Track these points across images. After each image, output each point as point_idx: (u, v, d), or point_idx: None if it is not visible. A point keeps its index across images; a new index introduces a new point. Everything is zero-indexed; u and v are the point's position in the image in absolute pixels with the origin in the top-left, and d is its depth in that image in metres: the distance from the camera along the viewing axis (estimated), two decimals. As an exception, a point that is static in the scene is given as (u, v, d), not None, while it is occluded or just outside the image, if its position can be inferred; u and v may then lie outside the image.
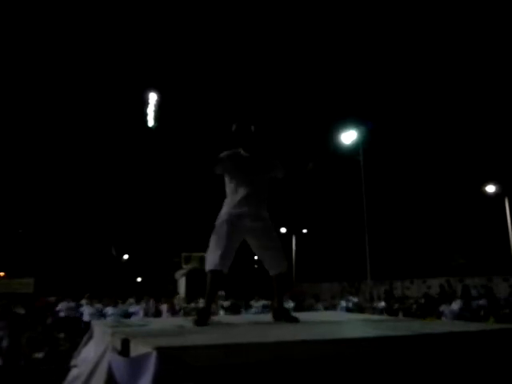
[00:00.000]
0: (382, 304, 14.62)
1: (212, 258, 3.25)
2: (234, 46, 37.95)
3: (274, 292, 3.51)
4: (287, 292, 15.75)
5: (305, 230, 29.50)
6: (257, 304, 14.04)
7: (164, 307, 13.22)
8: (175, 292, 21.11)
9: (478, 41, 29.42)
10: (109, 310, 12.12)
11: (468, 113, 28.06)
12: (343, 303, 15.20)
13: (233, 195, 3.43)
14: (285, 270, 3.44)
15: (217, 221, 3.43)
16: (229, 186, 3.50)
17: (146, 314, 12.43)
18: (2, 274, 27.74)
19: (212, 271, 3.24)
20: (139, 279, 35.88)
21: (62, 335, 10.77)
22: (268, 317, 3.66)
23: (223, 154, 3.48)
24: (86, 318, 11.93)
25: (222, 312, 12.62)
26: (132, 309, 13.13)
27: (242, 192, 3.39)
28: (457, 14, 30.10)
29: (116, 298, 13.85)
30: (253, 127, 3.52)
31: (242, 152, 3.51)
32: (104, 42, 36.77)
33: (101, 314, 12.13)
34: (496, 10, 28.61)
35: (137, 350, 2.07)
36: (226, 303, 14.11)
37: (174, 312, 12.90)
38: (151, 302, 13.78)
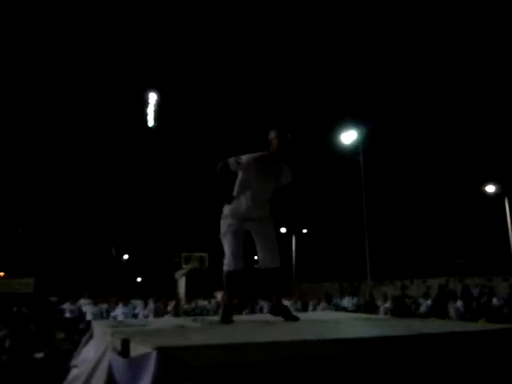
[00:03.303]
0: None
1: (226, 260, 3.46)
2: (234, 46, 37.96)
3: (271, 288, 3.62)
4: (293, 294, 15.76)
5: (305, 230, 29.51)
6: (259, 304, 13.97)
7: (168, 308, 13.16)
8: (175, 292, 21.12)
9: (478, 41, 29.44)
10: (119, 310, 12.00)
11: (468, 113, 28.07)
12: (344, 303, 15.20)
13: (242, 192, 3.53)
14: (278, 265, 3.55)
15: (222, 217, 3.56)
16: (241, 182, 3.58)
17: (157, 315, 12.22)
18: (1, 273, 27.74)
19: (227, 272, 3.45)
20: (139, 279, 35.88)
21: (61, 335, 10.79)
22: (267, 315, 3.68)
23: (249, 157, 3.52)
24: (88, 317, 11.88)
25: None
26: (137, 310, 13.03)
27: (252, 192, 3.50)
28: (457, 14, 30.11)
29: (126, 298, 13.69)
30: (289, 135, 3.61)
31: (267, 155, 3.58)
32: (104, 42, 36.78)
33: (104, 314, 12.07)
34: (496, 10, 28.62)
35: (137, 349, 2.07)
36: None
37: (177, 312, 12.86)
38: (160, 302, 13.61)
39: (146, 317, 11.96)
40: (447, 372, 2.11)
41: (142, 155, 35.40)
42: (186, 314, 12.14)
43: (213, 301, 15.18)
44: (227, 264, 3.44)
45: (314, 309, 13.30)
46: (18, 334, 8.12)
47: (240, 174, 3.60)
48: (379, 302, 15.09)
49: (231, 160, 3.52)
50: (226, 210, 3.54)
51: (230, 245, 3.44)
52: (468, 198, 24.45)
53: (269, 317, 3.61)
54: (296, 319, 3.38)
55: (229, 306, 3.48)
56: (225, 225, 3.51)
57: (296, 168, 3.72)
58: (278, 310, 3.51)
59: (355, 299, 16.07)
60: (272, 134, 3.60)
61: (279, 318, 3.45)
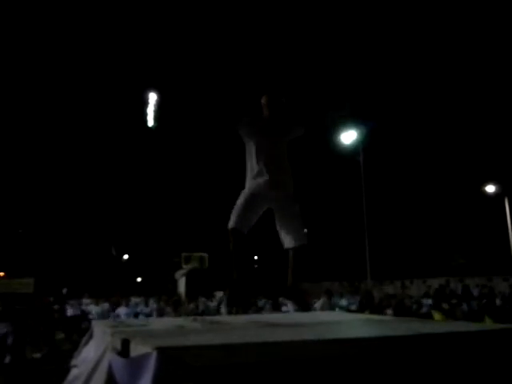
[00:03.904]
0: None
1: (231, 219, 3.27)
2: (234, 46, 37.97)
3: (288, 268, 3.35)
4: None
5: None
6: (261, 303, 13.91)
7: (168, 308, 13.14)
8: (175, 292, 21.11)
9: (477, 41, 29.44)
10: (121, 310, 12.00)
11: (468, 113, 28.07)
12: (343, 302, 15.17)
13: (253, 160, 3.37)
14: (305, 242, 3.35)
15: (242, 192, 3.40)
16: (249, 151, 3.45)
17: (160, 315, 12.20)
18: (1, 273, 27.74)
19: (231, 230, 3.24)
20: (139, 279, 35.88)
21: (61, 335, 10.78)
22: (271, 316, 3.65)
23: (246, 115, 3.46)
24: (92, 316, 11.88)
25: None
26: (139, 309, 13.04)
27: (262, 157, 3.34)
28: (457, 13, 30.11)
29: (126, 297, 13.66)
30: (284, 99, 3.52)
31: (264, 117, 3.49)
32: (104, 42, 36.78)
33: (106, 314, 12.06)
34: (496, 10, 28.62)
35: (137, 350, 2.07)
36: None
37: (177, 311, 12.84)
38: (162, 302, 13.58)
39: (148, 315, 11.98)
40: (447, 372, 2.11)
41: (142, 155, 35.40)
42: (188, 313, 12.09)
43: (213, 300, 15.14)
44: (230, 222, 3.26)
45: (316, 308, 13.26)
46: (19, 334, 8.12)
47: (246, 142, 3.47)
48: (380, 302, 15.08)
49: (237, 122, 3.46)
50: (248, 179, 3.39)
51: (240, 205, 3.27)
52: (468, 197, 24.45)
53: (269, 315, 3.57)
54: (307, 308, 3.19)
55: (238, 281, 3.20)
56: (244, 192, 3.35)
57: (296, 168, 3.66)
58: (292, 294, 3.29)
59: (356, 298, 16.03)
60: (262, 101, 3.51)
61: (281, 316, 3.38)
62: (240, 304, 3.01)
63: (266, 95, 3.53)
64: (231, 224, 3.26)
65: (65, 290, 15.43)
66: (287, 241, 3.33)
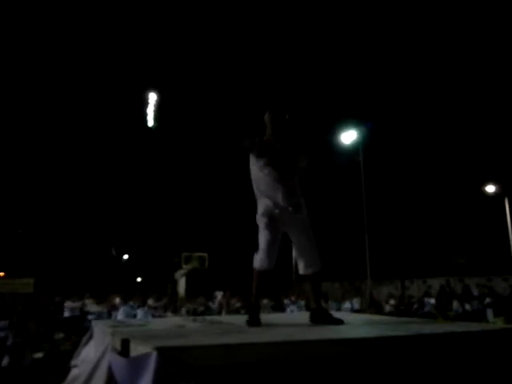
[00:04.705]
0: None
1: (259, 258, 3.23)
2: (234, 46, 37.95)
3: (309, 293, 3.38)
4: (294, 294, 15.67)
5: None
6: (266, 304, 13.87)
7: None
8: (175, 292, 21.12)
9: (477, 41, 29.43)
10: (120, 309, 11.97)
11: (468, 113, 28.06)
12: (347, 304, 15.18)
13: (265, 186, 3.30)
14: (319, 268, 3.35)
15: (258, 215, 3.34)
16: (259, 175, 3.36)
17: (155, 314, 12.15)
18: (1, 274, 27.74)
19: (259, 271, 3.23)
20: (139, 279, 35.86)
21: (61, 335, 10.77)
22: (271, 316, 3.65)
23: (255, 138, 3.38)
24: (92, 316, 11.83)
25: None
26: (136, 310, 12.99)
27: (277, 184, 3.27)
28: (457, 13, 30.11)
29: (125, 298, 13.56)
30: (287, 116, 3.45)
31: (269, 139, 3.42)
32: (104, 42, 36.78)
33: (105, 315, 12.04)
34: (496, 10, 28.61)
35: (137, 350, 2.07)
36: (239, 304, 13.96)
37: (176, 310, 12.85)
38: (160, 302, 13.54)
39: (145, 315, 11.97)
40: (447, 372, 2.11)
41: (142, 155, 35.39)
42: (189, 313, 12.08)
43: (215, 301, 15.13)
44: (260, 262, 3.21)
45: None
46: (19, 334, 8.12)
47: (254, 165, 3.38)
48: (382, 302, 15.10)
49: (246, 141, 3.38)
50: (260, 207, 3.32)
51: (266, 242, 3.20)
52: (468, 197, 24.44)
53: (269, 315, 3.58)
54: (340, 322, 3.09)
55: (256, 306, 3.27)
56: (262, 222, 3.27)
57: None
58: (320, 316, 3.23)
59: (358, 299, 16.04)
60: (265, 119, 3.43)
61: (281, 316, 3.40)
62: (258, 324, 3.08)
63: (269, 112, 3.46)
64: (263, 266, 3.22)
65: (58, 298, 14.74)
66: (301, 267, 3.34)
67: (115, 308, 12.56)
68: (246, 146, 3.36)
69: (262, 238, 3.25)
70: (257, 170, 3.37)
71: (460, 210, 25.80)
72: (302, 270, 3.34)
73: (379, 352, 2.11)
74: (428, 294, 15.97)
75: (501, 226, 19.11)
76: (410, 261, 24.45)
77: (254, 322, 3.10)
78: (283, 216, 3.24)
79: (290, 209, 3.23)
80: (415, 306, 13.94)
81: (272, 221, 3.24)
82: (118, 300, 13.46)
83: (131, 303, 13.08)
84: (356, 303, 15.37)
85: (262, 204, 3.31)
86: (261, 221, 3.29)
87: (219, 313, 13.12)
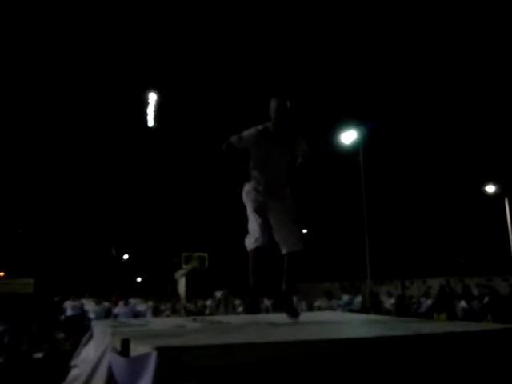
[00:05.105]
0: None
1: (252, 236, 3.29)
2: (234, 47, 37.96)
3: (283, 273, 3.42)
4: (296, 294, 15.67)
5: (305, 230, 29.54)
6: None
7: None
8: (175, 292, 21.11)
9: (477, 41, 29.44)
10: (119, 309, 11.97)
11: (468, 113, 28.06)
12: (345, 299, 15.17)
13: (257, 170, 3.45)
14: (301, 248, 3.41)
15: (245, 193, 3.44)
16: (253, 160, 3.50)
17: (155, 314, 12.15)
18: (1, 274, 27.75)
19: (254, 248, 3.26)
20: (139, 279, 35.87)
21: (61, 335, 10.78)
22: (271, 316, 3.65)
23: (250, 130, 3.47)
24: (91, 315, 11.85)
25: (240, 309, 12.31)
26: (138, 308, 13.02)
27: (266, 168, 3.42)
28: (457, 13, 30.11)
29: (125, 297, 13.53)
30: (288, 103, 3.53)
31: (271, 127, 3.50)
32: (104, 41, 36.78)
33: (103, 314, 12.05)
34: (496, 10, 28.62)
35: (137, 350, 2.07)
36: (238, 302, 13.94)
37: (175, 311, 12.86)
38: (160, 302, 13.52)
39: (145, 314, 11.99)
40: (447, 372, 2.11)
41: (142, 155, 35.39)
42: (188, 313, 12.09)
43: (211, 300, 15.11)
44: (254, 240, 3.26)
45: (319, 308, 13.29)
46: (17, 334, 8.12)
47: (251, 152, 3.51)
48: (383, 299, 15.11)
49: (233, 137, 3.45)
50: (248, 186, 3.43)
51: (257, 219, 3.27)
52: (468, 197, 24.44)
53: (269, 315, 3.58)
54: (296, 314, 3.25)
55: (255, 290, 3.24)
56: (249, 201, 3.38)
57: (296, 168, 3.66)
58: (284, 300, 3.32)
59: (359, 298, 16.01)
60: (270, 106, 3.52)
61: (281, 316, 3.38)
62: (257, 311, 3.10)
63: (275, 99, 3.54)
64: (253, 244, 3.28)
65: (57, 298, 14.69)
66: (283, 246, 3.41)
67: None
68: (233, 140, 3.45)
69: (253, 217, 3.32)
70: (253, 157, 3.50)
71: (460, 209, 25.81)
72: (286, 247, 3.39)
73: (379, 352, 2.11)
74: (427, 294, 15.97)
75: (501, 226, 19.11)
76: (410, 261, 24.46)
77: (252, 307, 3.15)
78: (267, 203, 3.35)
79: (275, 198, 3.36)
80: (414, 306, 13.96)
81: (262, 203, 3.34)
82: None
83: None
84: (354, 302, 15.34)
85: (251, 187, 3.40)
86: (251, 203, 3.37)
87: (217, 307, 13.15)
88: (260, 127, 3.47)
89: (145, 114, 34.73)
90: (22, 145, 34.88)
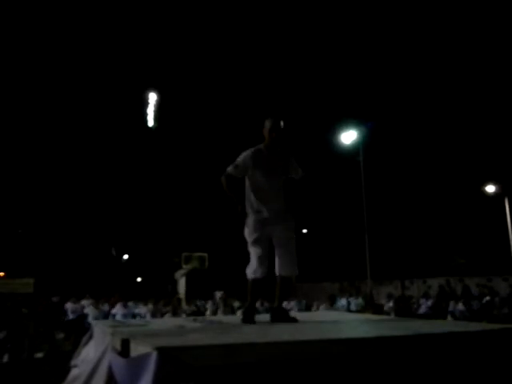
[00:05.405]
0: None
1: (252, 267, 3.41)
2: (234, 47, 37.95)
3: (276, 292, 3.55)
4: (297, 294, 15.71)
5: (305, 230, 29.53)
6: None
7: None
8: (175, 292, 21.11)
9: (477, 41, 29.43)
10: (118, 310, 11.97)
11: (468, 113, 28.06)
12: (343, 302, 15.18)
13: (253, 195, 3.47)
14: (295, 275, 3.54)
15: (246, 226, 3.49)
16: (249, 186, 3.51)
17: (154, 315, 12.15)
18: (1, 274, 27.75)
19: (252, 279, 3.41)
20: (139, 279, 35.88)
21: (61, 335, 10.77)
22: (267, 317, 3.67)
23: (244, 156, 3.48)
24: (90, 318, 11.85)
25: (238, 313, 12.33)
26: (138, 310, 13.01)
27: (261, 191, 3.45)
28: (457, 13, 30.11)
29: (124, 299, 13.53)
30: (282, 123, 3.54)
31: (263, 149, 3.51)
32: (104, 41, 36.78)
33: (102, 316, 12.04)
34: (496, 10, 28.61)
35: (137, 350, 2.07)
36: (237, 304, 13.96)
37: (176, 312, 12.83)
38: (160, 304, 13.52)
39: (144, 316, 11.98)
40: (447, 372, 2.11)
41: (142, 155, 35.39)
42: (188, 314, 12.08)
43: (211, 302, 15.11)
44: (252, 271, 3.40)
45: (318, 309, 13.31)
46: (18, 334, 8.12)
47: (247, 177, 3.52)
48: (383, 301, 15.12)
49: (229, 168, 3.47)
50: (248, 219, 3.48)
51: (256, 252, 3.39)
52: (468, 197, 24.44)
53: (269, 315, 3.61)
54: (295, 320, 3.36)
55: (251, 306, 3.48)
56: (248, 234, 3.46)
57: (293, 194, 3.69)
58: (279, 315, 3.48)
59: (359, 299, 16.03)
60: (265, 125, 3.53)
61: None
62: (252, 323, 3.28)
63: (270, 118, 3.55)
64: (251, 275, 3.40)
65: (56, 299, 14.66)
66: (279, 268, 3.49)
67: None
68: (231, 171, 3.47)
69: (252, 250, 3.42)
70: (249, 181, 3.52)
71: (460, 210, 25.81)
72: (281, 271, 3.49)
73: (379, 352, 2.11)
74: (426, 295, 15.98)
75: (501, 226, 19.10)
76: (409, 261, 24.45)
77: (248, 319, 3.31)
78: (271, 226, 3.43)
79: (275, 221, 3.43)
80: (414, 306, 13.97)
81: (261, 234, 3.41)
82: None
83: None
84: (353, 302, 15.35)
85: (252, 219, 3.46)
86: (250, 236, 3.45)
87: (216, 311, 13.14)
88: (252, 150, 3.48)
89: (145, 114, 34.80)
90: (22, 145, 34.89)
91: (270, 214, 3.42)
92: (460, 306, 12.60)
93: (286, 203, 3.57)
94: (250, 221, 3.45)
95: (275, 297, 3.57)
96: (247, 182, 3.53)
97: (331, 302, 13.97)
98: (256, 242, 3.40)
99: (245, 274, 3.45)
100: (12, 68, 35.38)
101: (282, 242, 3.47)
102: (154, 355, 1.77)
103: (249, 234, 3.46)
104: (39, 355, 8.24)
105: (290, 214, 3.57)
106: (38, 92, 35.69)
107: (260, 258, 3.37)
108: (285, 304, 14.28)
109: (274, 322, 3.38)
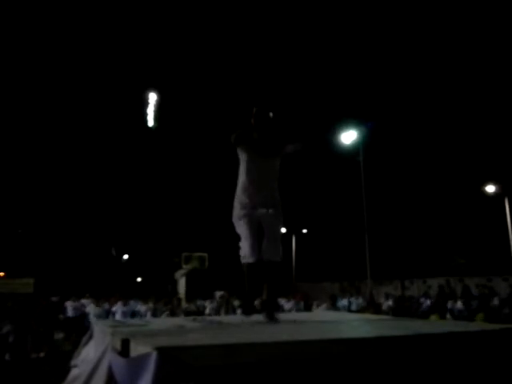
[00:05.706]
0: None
1: (244, 252, 3.42)
2: (234, 47, 37.96)
3: (264, 283, 3.55)
4: (296, 294, 15.70)
5: (305, 230, 29.52)
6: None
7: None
8: (175, 292, 21.11)
9: (477, 41, 29.43)
10: (118, 309, 11.98)
11: (468, 113, 28.06)
12: (344, 302, 15.18)
13: (243, 177, 3.52)
14: (279, 258, 3.50)
15: (234, 211, 3.53)
16: (241, 167, 3.57)
17: (154, 315, 12.16)
18: (1, 274, 27.75)
19: (247, 265, 3.41)
20: (139, 279, 35.87)
21: (61, 335, 10.78)
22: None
23: (239, 130, 3.57)
24: (91, 317, 11.85)
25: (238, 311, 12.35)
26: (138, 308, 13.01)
27: (254, 176, 3.49)
28: (457, 13, 30.11)
29: (124, 298, 13.52)
30: (271, 113, 3.61)
31: (254, 134, 3.59)
32: (104, 41, 36.77)
33: (104, 315, 12.05)
34: (496, 10, 28.61)
35: (137, 350, 2.07)
36: (237, 303, 13.93)
37: (174, 312, 12.83)
38: (160, 303, 13.51)
39: (145, 315, 11.99)
40: (447, 372, 2.11)
41: (142, 155, 35.38)
42: (187, 314, 12.09)
43: (212, 300, 15.11)
44: (246, 256, 3.40)
45: (317, 307, 13.31)
46: (20, 334, 8.13)
47: (239, 157, 3.59)
48: (382, 300, 15.12)
49: (234, 136, 3.56)
50: (235, 202, 3.53)
51: (247, 236, 3.40)
52: (468, 197, 24.43)
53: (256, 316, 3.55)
54: (276, 321, 3.29)
55: (250, 296, 3.45)
56: (237, 216, 3.49)
57: (297, 167, 3.71)
58: (265, 306, 3.43)
59: (360, 299, 16.03)
60: (253, 111, 3.62)
61: (279, 316, 3.42)
62: (252, 312, 3.27)
63: (255, 107, 3.65)
64: (243, 259, 3.41)
65: (55, 298, 14.62)
66: (264, 253, 3.49)
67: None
68: (233, 140, 3.55)
69: (242, 232, 3.44)
70: (241, 165, 3.58)
71: (460, 210, 25.80)
72: (266, 255, 3.48)
73: (379, 352, 2.11)
74: (426, 295, 15.98)
75: (501, 226, 19.10)
76: (409, 261, 24.45)
77: (247, 309, 3.35)
78: (258, 212, 3.44)
79: (265, 206, 3.45)
80: (414, 305, 13.98)
81: (250, 217, 3.43)
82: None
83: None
84: (354, 302, 15.35)
85: (239, 202, 3.49)
86: (238, 220, 3.47)
87: (217, 311, 13.13)
88: (245, 129, 3.58)
89: (145, 114, 34.76)
90: (22, 145, 34.89)
91: (259, 196, 3.44)
92: (459, 305, 12.63)
93: (276, 189, 3.60)
94: (238, 205, 3.51)
95: (264, 289, 3.58)
96: (240, 165, 3.60)
97: (332, 302, 13.96)
98: (245, 228, 3.41)
99: (245, 274, 3.44)
100: (12, 68, 35.38)
101: (268, 225, 3.48)
102: (154, 355, 1.77)
103: (237, 215, 3.49)
104: (42, 355, 8.25)
105: (279, 200, 3.60)
106: (38, 92, 35.70)
107: (251, 244, 3.39)
108: (285, 304, 14.33)
109: (274, 323, 3.37)
